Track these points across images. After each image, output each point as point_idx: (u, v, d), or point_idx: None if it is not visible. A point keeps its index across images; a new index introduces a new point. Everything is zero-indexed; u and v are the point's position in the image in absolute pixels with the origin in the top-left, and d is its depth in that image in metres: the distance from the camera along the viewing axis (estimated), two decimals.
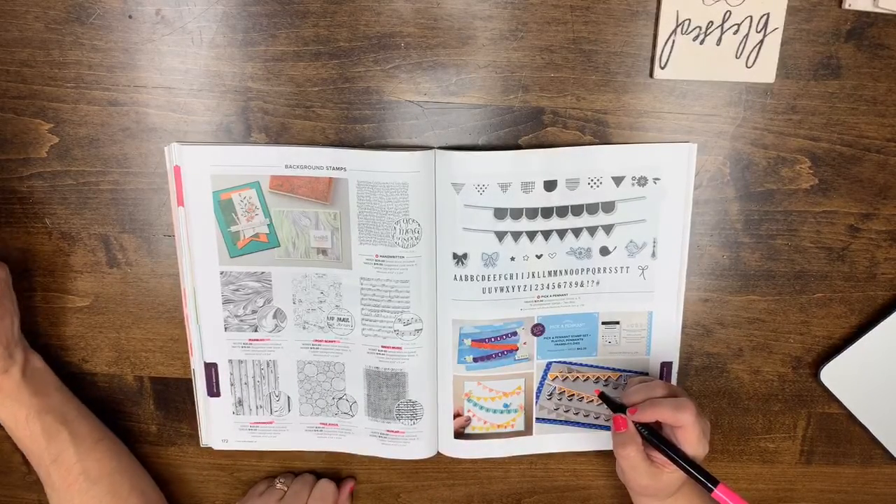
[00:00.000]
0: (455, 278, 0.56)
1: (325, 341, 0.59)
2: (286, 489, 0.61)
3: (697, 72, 0.52)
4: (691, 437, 0.50)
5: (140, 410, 0.63)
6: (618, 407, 0.54)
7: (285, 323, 0.58)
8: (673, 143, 0.54)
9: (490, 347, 0.58)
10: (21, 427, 0.55)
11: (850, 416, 0.61)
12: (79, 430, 0.56)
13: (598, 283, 0.57)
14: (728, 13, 0.50)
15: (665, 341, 0.59)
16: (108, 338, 0.60)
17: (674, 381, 0.60)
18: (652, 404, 0.51)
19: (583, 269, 0.57)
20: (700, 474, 0.50)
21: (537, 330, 0.58)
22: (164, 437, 0.64)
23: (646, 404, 0.51)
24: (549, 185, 0.54)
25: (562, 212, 0.55)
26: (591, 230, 0.56)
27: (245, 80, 0.53)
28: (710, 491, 0.49)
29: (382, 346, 0.58)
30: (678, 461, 0.50)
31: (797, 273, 0.58)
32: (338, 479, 0.64)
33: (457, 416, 0.60)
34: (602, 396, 0.56)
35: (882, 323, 0.58)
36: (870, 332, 0.58)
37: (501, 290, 0.57)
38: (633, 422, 0.52)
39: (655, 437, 0.51)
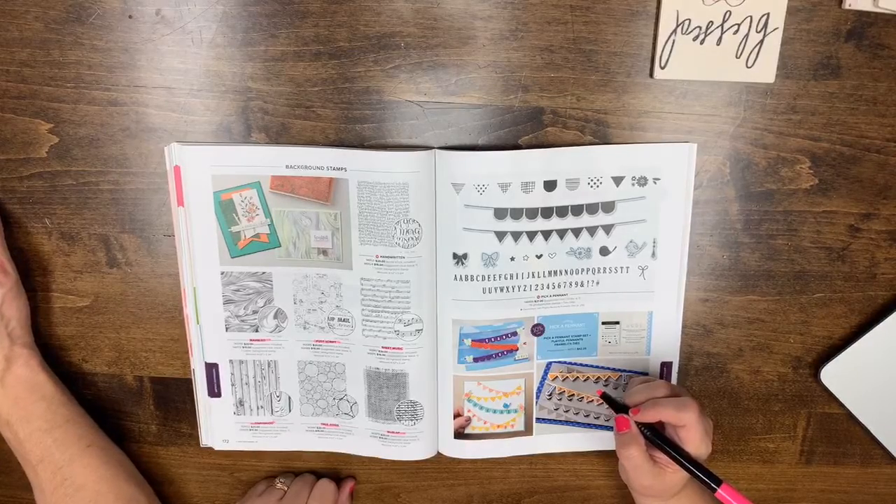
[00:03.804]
0: (455, 278, 0.56)
1: (326, 342, 0.59)
2: (286, 489, 0.61)
3: (697, 72, 0.52)
4: (694, 436, 0.50)
5: (140, 410, 0.63)
6: (620, 407, 0.54)
7: (286, 323, 0.58)
8: (673, 143, 0.54)
9: (490, 347, 0.58)
10: (4, 430, 0.55)
11: (850, 416, 0.61)
12: (65, 437, 0.56)
13: (598, 283, 0.57)
14: (728, 13, 0.51)
15: (665, 341, 0.59)
16: (108, 338, 0.60)
17: (674, 381, 0.60)
18: (654, 404, 0.51)
19: (583, 269, 0.57)
20: (703, 474, 0.50)
21: (537, 330, 0.58)
22: (164, 437, 0.64)
23: (648, 404, 0.51)
24: (549, 185, 0.54)
25: (562, 212, 0.55)
26: (591, 230, 0.56)
27: (245, 80, 0.53)
28: (714, 491, 0.49)
29: (383, 347, 0.58)
30: (681, 461, 0.50)
31: (797, 273, 0.58)
32: (338, 479, 0.64)
33: (457, 416, 0.60)
34: (604, 397, 0.56)
35: (882, 323, 0.58)
36: (870, 332, 0.58)
37: (501, 290, 0.57)
38: (635, 422, 0.52)
39: (658, 438, 0.51)
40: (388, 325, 0.57)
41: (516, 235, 0.55)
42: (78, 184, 0.56)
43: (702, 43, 0.51)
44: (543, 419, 0.61)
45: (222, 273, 0.57)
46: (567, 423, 0.62)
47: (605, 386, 0.61)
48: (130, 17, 0.52)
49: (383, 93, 0.53)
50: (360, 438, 0.62)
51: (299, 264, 0.57)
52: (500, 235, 0.55)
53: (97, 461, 0.57)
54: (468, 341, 0.58)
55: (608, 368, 0.60)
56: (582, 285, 0.57)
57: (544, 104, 0.54)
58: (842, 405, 0.61)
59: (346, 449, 0.62)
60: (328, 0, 0.51)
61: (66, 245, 0.58)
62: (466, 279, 0.56)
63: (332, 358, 0.60)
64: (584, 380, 0.60)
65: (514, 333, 0.58)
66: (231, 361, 0.60)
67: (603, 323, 0.59)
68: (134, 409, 0.63)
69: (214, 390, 0.60)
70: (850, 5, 0.51)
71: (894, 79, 0.53)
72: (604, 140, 0.54)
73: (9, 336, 0.55)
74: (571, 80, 0.53)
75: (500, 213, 0.54)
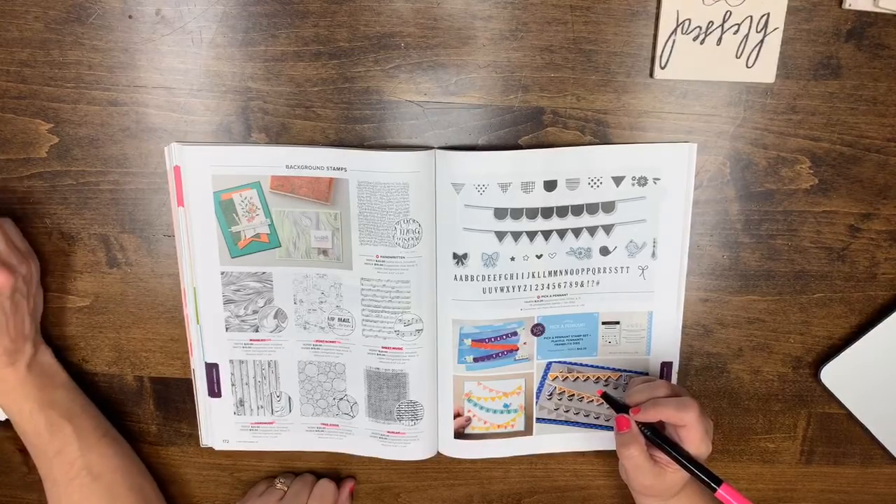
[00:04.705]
0: (455, 278, 0.56)
1: (326, 342, 0.59)
2: (286, 489, 0.62)
3: (697, 72, 0.52)
4: (695, 436, 0.50)
5: (140, 410, 0.63)
6: (621, 407, 0.54)
7: (286, 323, 0.58)
8: (673, 143, 0.54)
9: (490, 347, 0.58)
10: (25, 420, 0.55)
11: (850, 416, 0.61)
12: (83, 426, 0.57)
13: (598, 283, 0.57)
14: (728, 13, 0.51)
15: (665, 341, 0.59)
16: (108, 338, 0.60)
17: (674, 381, 0.60)
18: (655, 404, 0.51)
19: (583, 269, 0.57)
20: (703, 474, 0.50)
21: (537, 330, 0.58)
22: (164, 437, 0.64)
23: (649, 404, 0.51)
24: (549, 185, 0.54)
25: (562, 212, 0.55)
26: (591, 230, 0.56)
27: (245, 80, 0.53)
28: (714, 491, 0.49)
29: (383, 347, 0.58)
30: (681, 461, 0.50)
31: (797, 273, 0.58)
32: (338, 479, 0.64)
33: (457, 416, 0.60)
34: (605, 397, 0.56)
35: (882, 323, 0.58)
36: (870, 332, 0.58)
37: (501, 290, 0.57)
38: (636, 422, 0.52)
39: (659, 437, 0.51)
40: (389, 325, 0.57)
41: (516, 235, 0.55)
42: (78, 184, 0.56)
43: (702, 43, 0.51)
44: (543, 419, 0.61)
45: (222, 273, 0.57)
46: (567, 423, 0.62)
47: (606, 386, 0.61)
48: (130, 17, 0.52)
49: (383, 93, 0.53)
50: (360, 438, 0.62)
51: (299, 264, 0.57)
52: (501, 235, 0.55)
53: (111, 451, 0.58)
54: (468, 341, 0.58)
55: (608, 368, 0.60)
56: (582, 285, 0.57)
57: (544, 104, 0.54)
58: (842, 405, 0.61)
59: (346, 449, 0.62)
60: (328, 0, 0.51)
61: (66, 245, 0.58)
62: (466, 279, 0.56)
63: (332, 358, 0.60)
64: (585, 380, 0.60)
65: (514, 333, 0.58)
66: (231, 361, 0.60)
67: (603, 323, 0.59)
68: (134, 409, 0.63)
69: (214, 390, 0.60)
70: (850, 5, 0.51)
71: (894, 79, 0.53)
72: (604, 140, 0.54)
73: (34, 323, 0.56)
74: (571, 80, 0.53)
75: (500, 213, 0.54)
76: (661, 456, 0.52)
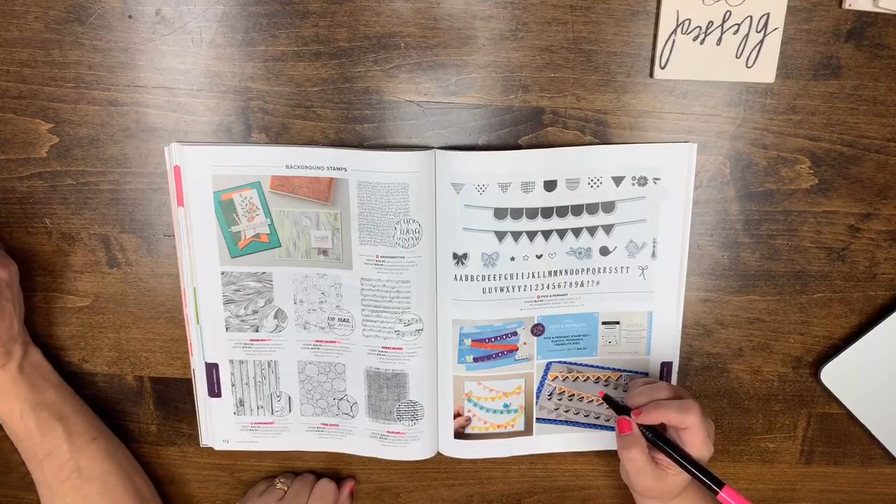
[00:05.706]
0: (455, 278, 0.56)
1: (326, 342, 0.59)
2: (286, 489, 0.62)
3: (697, 72, 0.52)
4: (696, 439, 0.50)
5: (140, 410, 0.63)
6: (622, 409, 0.54)
7: (286, 323, 0.58)
8: (673, 143, 0.54)
9: (490, 347, 0.58)
10: (16, 421, 0.55)
11: (850, 416, 0.61)
12: (74, 427, 0.56)
13: (598, 283, 0.57)
14: (728, 13, 0.51)
15: (665, 341, 0.59)
16: (108, 338, 0.60)
17: (674, 381, 0.60)
18: (657, 406, 0.51)
19: (583, 269, 0.57)
20: (705, 477, 0.49)
21: (537, 330, 0.58)
22: (164, 437, 0.64)
23: (650, 406, 0.51)
24: (549, 185, 0.54)
25: (562, 212, 0.55)
26: (591, 230, 0.56)
27: (245, 80, 0.53)
28: (716, 493, 0.49)
29: (383, 347, 0.58)
30: (683, 463, 0.50)
31: (797, 273, 0.58)
32: (338, 479, 0.64)
33: (457, 416, 0.60)
34: (606, 398, 0.56)
35: (882, 323, 0.58)
36: (870, 332, 0.58)
37: (501, 290, 0.57)
38: (637, 424, 0.52)
39: (660, 440, 0.51)
40: (389, 325, 0.57)
41: (516, 235, 0.55)
42: (78, 184, 0.56)
43: (702, 43, 0.51)
44: (543, 419, 0.61)
45: (222, 273, 0.57)
46: (567, 423, 0.62)
47: (606, 386, 0.61)
48: (130, 17, 0.52)
49: (383, 93, 0.53)
50: (360, 438, 0.62)
51: (299, 264, 0.57)
52: (500, 235, 0.55)
53: (103, 453, 0.57)
54: (468, 341, 0.58)
55: (608, 368, 0.60)
56: (582, 285, 0.57)
57: (544, 104, 0.54)
58: (842, 405, 0.61)
59: (346, 449, 0.62)
60: (328, 0, 0.51)
61: (66, 245, 0.58)
62: (466, 279, 0.56)
63: (332, 358, 0.60)
64: (585, 380, 0.60)
65: (514, 333, 0.58)
66: (231, 361, 0.60)
67: (603, 323, 0.59)
68: (134, 409, 0.63)
69: (214, 390, 0.60)
70: (850, 5, 0.51)
71: (894, 79, 0.53)
72: (604, 140, 0.54)
73: (21, 325, 0.55)
74: (571, 80, 0.53)
75: (500, 213, 0.54)
76: (663, 458, 0.52)
